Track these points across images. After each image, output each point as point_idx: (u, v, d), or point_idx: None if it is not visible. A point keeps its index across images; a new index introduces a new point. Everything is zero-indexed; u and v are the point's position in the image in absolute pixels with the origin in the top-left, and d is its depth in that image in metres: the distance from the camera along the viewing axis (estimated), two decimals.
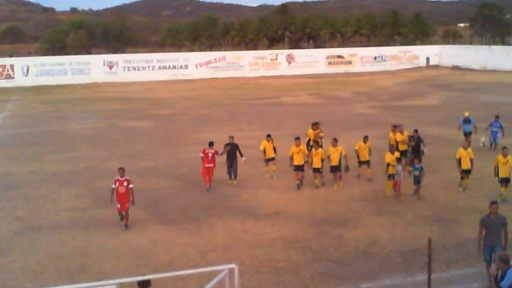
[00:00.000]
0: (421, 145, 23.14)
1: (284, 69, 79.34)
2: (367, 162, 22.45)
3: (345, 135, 31.42)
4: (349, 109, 43.25)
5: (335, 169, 21.09)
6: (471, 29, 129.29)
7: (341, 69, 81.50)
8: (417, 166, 19.94)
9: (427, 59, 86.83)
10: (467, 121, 27.67)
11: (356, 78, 71.22)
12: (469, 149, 20.47)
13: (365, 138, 22.63)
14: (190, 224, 17.77)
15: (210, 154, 21.49)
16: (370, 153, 22.67)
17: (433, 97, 49.59)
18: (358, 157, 22.53)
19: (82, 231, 17.44)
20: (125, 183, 17.51)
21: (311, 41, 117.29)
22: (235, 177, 22.42)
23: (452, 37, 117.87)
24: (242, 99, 51.69)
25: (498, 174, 19.32)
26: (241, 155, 22.47)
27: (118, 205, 17.41)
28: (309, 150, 22.40)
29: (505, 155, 19.15)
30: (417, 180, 19.80)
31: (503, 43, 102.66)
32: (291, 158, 21.41)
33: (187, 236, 16.85)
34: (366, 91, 55.91)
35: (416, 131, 23.43)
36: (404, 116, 38.42)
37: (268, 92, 57.34)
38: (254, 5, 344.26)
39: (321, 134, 24.38)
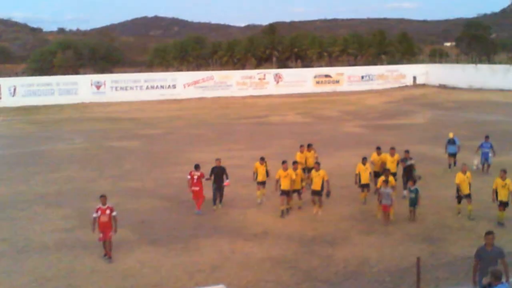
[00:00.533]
0: (407, 159, 22.88)
1: (272, 89, 79.50)
2: (367, 186, 21.85)
3: (333, 154, 31.60)
4: (337, 128, 43.39)
5: (316, 193, 20.44)
6: (458, 48, 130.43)
7: (328, 88, 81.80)
8: (412, 188, 19.55)
9: (414, 78, 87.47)
10: (451, 142, 27.54)
11: (343, 97, 71.52)
12: (468, 173, 20.00)
13: (364, 160, 22.01)
14: (177, 245, 17.66)
15: (195, 177, 21.06)
16: (371, 177, 22.06)
17: (420, 116, 49.89)
18: (359, 180, 21.72)
19: (68, 252, 17.27)
20: (108, 211, 16.59)
21: (298, 61, 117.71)
22: (220, 201, 21.65)
23: (438, 56, 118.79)
24: (230, 119, 51.73)
25: (497, 198, 18.78)
26: (226, 178, 21.81)
27: (101, 235, 16.57)
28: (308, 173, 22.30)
29: (503, 178, 18.66)
30: (413, 203, 19.38)
31: (489, 61, 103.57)
32: (277, 182, 20.71)
33: (175, 256, 16.74)
34: (354, 110, 56.15)
35: (407, 151, 23.02)
36: (392, 135, 38.69)
37: (256, 112, 57.43)
38: (242, 25, 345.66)
39: (316, 155, 24.29)
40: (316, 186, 20.37)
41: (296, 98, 71.85)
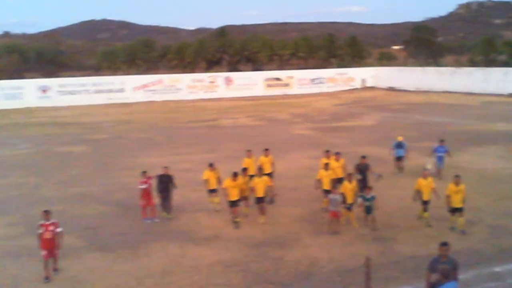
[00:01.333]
0: (370, 172, 21.62)
1: (222, 92, 79.42)
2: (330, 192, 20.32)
3: (283, 157, 31.64)
4: (287, 131, 43.53)
5: (259, 200, 19.66)
6: (405, 51, 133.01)
7: (279, 91, 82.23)
8: (368, 196, 18.62)
9: (363, 80, 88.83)
10: (399, 146, 26.83)
11: (294, 100, 71.98)
12: (429, 179, 19.14)
13: (326, 166, 21.00)
14: (126, 250, 17.36)
15: (145, 185, 20.29)
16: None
17: (369, 118, 50.52)
18: (322, 186, 20.80)
19: (14, 260, 16.77)
20: (52, 228, 15.37)
21: (249, 64, 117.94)
22: (169, 212, 20.67)
23: (387, 59, 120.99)
24: (180, 122, 51.34)
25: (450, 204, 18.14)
26: (174, 187, 20.88)
27: (44, 252, 15.29)
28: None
29: (457, 184, 17.95)
30: (369, 210, 18.56)
31: (436, 64, 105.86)
32: (225, 191, 19.58)
33: (124, 262, 16.43)
34: (304, 113, 56.48)
35: (363, 157, 22.04)
36: (342, 137, 39.06)
37: (206, 115, 57.19)
38: (192, 28, 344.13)
39: (272, 161, 23.55)
40: (259, 193, 19.57)
41: (246, 101, 71.93)
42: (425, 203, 18.98)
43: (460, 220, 17.93)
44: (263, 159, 22.99)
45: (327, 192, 20.20)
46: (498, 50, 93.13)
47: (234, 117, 54.33)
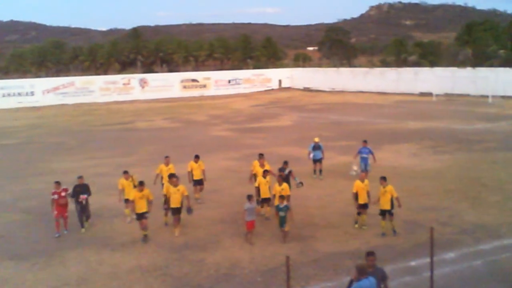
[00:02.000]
0: (291, 177, 20.81)
1: (137, 94, 78.18)
2: (268, 200, 19.46)
3: (201, 159, 31.24)
4: (205, 132, 43.23)
5: (175, 211, 18.38)
6: (320, 52, 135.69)
7: (196, 92, 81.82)
8: (282, 205, 17.23)
9: (279, 81, 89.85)
10: (316, 147, 25.94)
11: (211, 101, 71.80)
12: (366, 181, 18.40)
13: (265, 173, 19.68)
14: (41, 258, 16.61)
15: (63, 194, 18.91)
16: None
17: (286, 118, 50.97)
18: (259, 193, 19.71)
19: None
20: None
21: (164, 65, 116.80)
22: (86, 220, 19.49)
23: (302, 60, 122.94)
24: (93, 126, 49.99)
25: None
26: (89, 194, 19.53)
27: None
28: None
29: (384, 185, 17.61)
30: (283, 221, 17.20)
31: (350, 65, 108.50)
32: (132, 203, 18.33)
33: (38, 271, 15.72)
34: (221, 114, 56.36)
35: (286, 162, 21.15)
36: (259, 138, 39.15)
37: (121, 118, 56.01)
38: (104, 29, 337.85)
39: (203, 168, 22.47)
40: (175, 203, 18.35)
41: (162, 103, 71.13)
42: (362, 206, 18.21)
43: (383, 223, 17.62)
44: (193, 165, 22.32)
45: (264, 201, 19.49)
46: (409, 50, 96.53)
47: (150, 120, 53.49)
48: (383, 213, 17.58)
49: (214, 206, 21.63)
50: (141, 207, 17.89)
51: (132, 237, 18.28)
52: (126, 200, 19.73)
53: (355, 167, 25.54)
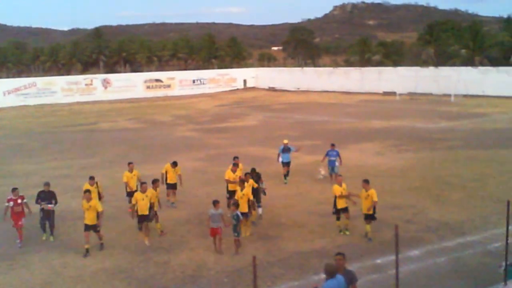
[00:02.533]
0: (260, 183, 19.79)
1: (100, 94, 77.36)
2: (246, 215, 17.79)
3: (166, 160, 31.01)
4: (170, 133, 42.94)
5: (142, 219, 17.41)
6: (284, 52, 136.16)
7: (160, 93, 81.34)
8: (233, 213, 16.38)
9: (244, 81, 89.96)
10: (286, 149, 24.82)
11: (175, 102, 71.43)
12: (344, 185, 17.81)
13: (242, 183, 18.37)
14: (3, 262, 16.29)
15: (19, 202, 17.84)
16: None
17: (251, 118, 50.95)
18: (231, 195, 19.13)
19: None
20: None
21: (127, 65, 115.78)
22: (51, 233, 18.37)
23: (267, 60, 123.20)
24: (56, 127, 49.22)
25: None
26: (55, 203, 18.51)
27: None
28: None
29: (366, 189, 17.10)
30: (235, 229, 16.33)
31: (314, 65, 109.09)
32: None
33: (1, 275, 15.41)
34: (186, 114, 56.08)
35: (254, 170, 20.14)
36: (225, 138, 39.04)
37: (84, 119, 55.30)
38: (66, 29, 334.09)
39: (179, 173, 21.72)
40: (143, 210, 17.36)
41: (126, 103, 70.52)
42: (342, 211, 17.64)
43: (367, 227, 17.06)
44: (169, 168, 21.69)
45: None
46: (372, 50, 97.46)
47: (114, 120, 52.92)
48: (367, 217, 17.04)
49: (179, 207, 21.46)
50: (91, 219, 16.69)
51: (96, 239, 17.95)
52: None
53: (322, 171, 25.05)
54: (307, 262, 15.33)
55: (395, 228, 11.60)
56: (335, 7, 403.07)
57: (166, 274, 15.08)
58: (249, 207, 17.84)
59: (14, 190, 18.13)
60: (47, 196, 18.39)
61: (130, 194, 19.61)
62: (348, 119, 47.22)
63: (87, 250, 16.59)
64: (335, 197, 17.67)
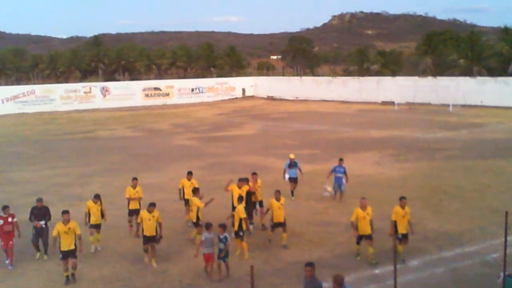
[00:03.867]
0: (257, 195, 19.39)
1: (99, 102, 77.32)
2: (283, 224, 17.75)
3: (165, 168, 31.11)
4: (168, 141, 42.89)
5: (149, 240, 16.43)
6: (283, 61, 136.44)
7: (158, 101, 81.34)
8: (222, 236, 15.17)
9: (243, 90, 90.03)
10: (292, 164, 23.55)
11: (174, 110, 71.42)
12: (369, 209, 16.19)
13: (240, 199, 17.60)
14: (0, 270, 16.28)
15: (10, 220, 16.82)
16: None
17: (250, 127, 50.94)
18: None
19: None
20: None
21: (126, 73, 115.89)
22: (45, 251, 17.40)
23: (265, 69, 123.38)
24: (54, 135, 49.16)
25: (397, 231, 15.86)
26: (49, 218, 17.76)
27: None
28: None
29: (403, 206, 15.92)
30: (220, 255, 15.15)
31: (313, 74, 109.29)
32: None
33: None
34: (185, 123, 56.07)
35: (246, 179, 19.27)
36: (223, 147, 39.01)
37: (82, 126, 55.25)
38: (65, 36, 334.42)
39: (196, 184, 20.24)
40: (150, 231, 16.40)
41: (125, 111, 70.49)
42: (366, 237, 16.10)
43: (400, 248, 15.67)
44: (185, 183, 20.47)
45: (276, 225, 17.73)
46: (371, 60, 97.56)
47: (112, 129, 52.87)
48: (403, 237, 15.93)
49: (177, 216, 21.40)
50: (68, 243, 15.32)
51: (94, 246, 17.97)
52: (92, 226, 17.88)
53: (328, 188, 23.53)
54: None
55: (394, 238, 11.62)
56: (334, 17, 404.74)
57: (164, 283, 15.05)
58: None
59: (4, 208, 16.92)
60: (40, 212, 17.58)
61: (132, 212, 19.11)
62: (347, 128, 47.23)
63: (68, 278, 15.33)
64: (354, 221, 16.14)
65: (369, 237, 15.97)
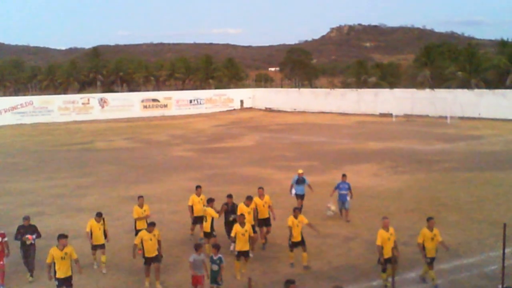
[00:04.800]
0: (232, 215, 17.91)
1: (97, 113, 77.32)
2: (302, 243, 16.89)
3: (163, 180, 31.04)
4: (166, 153, 42.83)
5: (150, 260, 15.55)
6: (281, 72, 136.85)
7: (156, 112, 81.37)
8: (215, 257, 14.31)
9: (241, 101, 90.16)
10: (300, 181, 22.26)
11: (172, 121, 71.43)
12: (392, 230, 15.07)
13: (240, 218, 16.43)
14: None
15: None
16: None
17: (248, 138, 50.92)
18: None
19: None
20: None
21: (124, 85, 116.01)
22: (31, 273, 16.40)
23: (264, 81, 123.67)
24: (52, 146, 49.07)
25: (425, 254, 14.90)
26: (37, 237, 16.66)
27: None
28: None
29: (431, 228, 15.03)
30: (214, 279, 14.31)
31: (311, 86, 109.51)
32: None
33: None
34: (183, 134, 56.05)
35: (230, 196, 18.58)
36: (221, 158, 38.97)
37: (80, 138, 55.19)
38: (63, 48, 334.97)
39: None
40: (152, 251, 15.50)
41: (123, 123, 70.48)
42: (388, 261, 14.69)
43: (432, 274, 14.94)
44: (194, 199, 19.41)
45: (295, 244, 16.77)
46: (369, 72, 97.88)
47: (110, 140, 52.82)
48: (431, 261, 14.96)
49: (175, 227, 21.34)
50: (65, 270, 14.23)
51: (91, 259, 17.84)
52: (94, 247, 17.00)
53: (332, 207, 21.95)
54: (302, 284, 15.21)
55: (392, 250, 11.57)
56: (332, 29, 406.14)
57: None
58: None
59: None
60: (27, 231, 16.42)
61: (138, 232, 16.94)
62: (345, 140, 47.25)
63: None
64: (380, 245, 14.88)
65: (395, 261, 14.26)
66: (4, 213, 21.21)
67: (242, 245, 15.95)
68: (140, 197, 18.56)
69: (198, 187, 19.43)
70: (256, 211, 18.33)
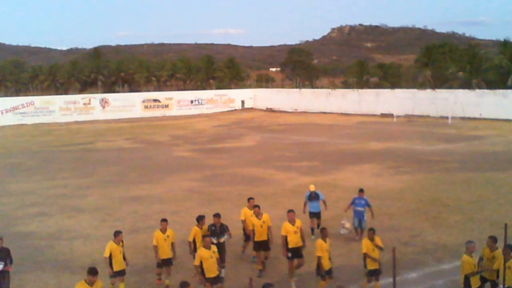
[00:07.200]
0: (226, 235, 16.07)
1: (98, 114, 77.39)
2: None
3: (165, 180, 31.04)
4: (167, 153, 42.82)
5: (167, 263, 15.42)
6: (282, 73, 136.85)
7: (157, 112, 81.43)
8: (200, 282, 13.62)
9: (242, 102, 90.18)
10: (313, 197, 19.88)
11: (173, 122, 71.43)
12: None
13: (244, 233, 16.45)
14: None
15: None
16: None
17: (249, 139, 50.90)
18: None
19: None
20: None
21: (125, 85, 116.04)
22: None
23: (265, 81, 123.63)
24: (53, 146, 49.10)
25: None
26: (10, 262, 14.39)
27: None
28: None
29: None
30: None
31: (312, 86, 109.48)
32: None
33: None
34: (184, 135, 56.04)
35: (217, 215, 16.14)
36: (222, 158, 38.94)
37: (81, 138, 55.21)
38: (64, 48, 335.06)
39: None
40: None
41: (124, 123, 70.51)
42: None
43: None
44: (246, 212, 17.47)
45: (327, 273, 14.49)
46: (370, 72, 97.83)
47: (111, 140, 52.83)
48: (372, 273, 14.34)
49: (175, 228, 21.23)
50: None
51: (91, 259, 17.81)
52: (115, 274, 14.66)
53: (346, 224, 19.48)
54: (303, 284, 15.21)
55: (393, 251, 11.50)
56: (333, 29, 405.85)
57: None
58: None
59: None
60: (1, 254, 14.21)
61: (163, 263, 15.44)
62: (346, 140, 47.21)
63: None
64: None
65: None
66: (5, 214, 21.21)
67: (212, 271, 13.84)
68: (163, 220, 15.71)
69: (201, 218, 16.13)
70: (253, 232, 16.34)
